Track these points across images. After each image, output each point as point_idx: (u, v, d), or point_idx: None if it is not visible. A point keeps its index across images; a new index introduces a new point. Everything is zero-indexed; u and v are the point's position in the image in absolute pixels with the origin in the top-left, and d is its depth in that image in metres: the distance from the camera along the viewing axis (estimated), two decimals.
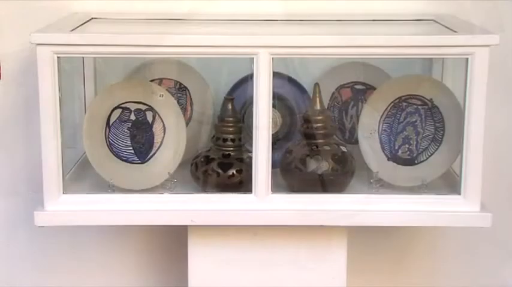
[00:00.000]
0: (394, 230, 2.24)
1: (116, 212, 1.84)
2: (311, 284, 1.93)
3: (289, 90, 2.04)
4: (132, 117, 1.95)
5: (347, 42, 1.78)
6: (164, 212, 1.85)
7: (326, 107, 2.01)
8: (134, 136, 1.95)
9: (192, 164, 1.93)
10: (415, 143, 1.95)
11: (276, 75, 1.85)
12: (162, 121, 1.95)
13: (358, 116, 2.04)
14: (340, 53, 1.81)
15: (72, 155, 1.99)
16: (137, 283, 2.29)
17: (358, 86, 2.10)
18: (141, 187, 1.90)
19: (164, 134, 1.95)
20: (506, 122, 2.16)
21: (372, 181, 1.92)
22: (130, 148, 1.95)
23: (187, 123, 2.04)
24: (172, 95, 1.98)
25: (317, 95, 1.92)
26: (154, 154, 1.95)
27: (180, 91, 2.08)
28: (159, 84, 2.04)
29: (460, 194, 1.85)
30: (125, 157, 1.94)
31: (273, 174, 1.85)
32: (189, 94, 2.08)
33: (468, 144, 1.82)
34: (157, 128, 1.95)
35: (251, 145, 1.84)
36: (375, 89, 2.04)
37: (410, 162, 1.95)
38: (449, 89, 1.94)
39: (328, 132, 1.92)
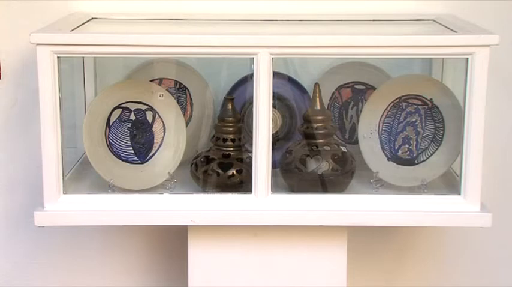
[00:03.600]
0: (394, 230, 2.24)
1: (115, 212, 1.84)
2: (311, 284, 1.93)
3: (289, 90, 2.04)
4: (132, 117, 1.95)
5: (347, 42, 1.78)
6: (164, 212, 1.85)
7: (326, 107, 2.01)
8: (134, 136, 1.95)
9: (192, 164, 1.93)
10: (415, 143, 1.95)
11: (276, 75, 1.85)
12: (162, 121, 1.95)
13: (358, 116, 2.04)
14: (340, 53, 1.81)
15: (72, 155, 1.99)
16: (137, 283, 2.29)
17: (358, 86, 2.10)
18: (141, 187, 1.90)
19: (164, 134, 1.95)
20: (506, 122, 2.16)
21: (371, 181, 1.92)
22: (130, 148, 1.95)
23: (187, 124, 2.04)
24: (172, 95, 1.98)
25: (317, 95, 1.92)
26: (154, 154, 1.95)
27: (180, 91, 2.08)
28: (159, 84, 2.05)
29: (460, 194, 1.85)
30: (125, 157, 1.94)
31: (273, 174, 1.85)
32: (189, 94, 2.08)
33: (468, 144, 1.81)
34: (157, 128, 1.95)
35: (251, 145, 1.84)
36: (374, 89, 2.04)
37: (410, 162, 1.95)
38: (449, 89, 1.94)
39: (328, 132, 1.92)
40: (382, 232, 2.23)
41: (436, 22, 2.02)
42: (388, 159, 1.95)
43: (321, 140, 1.91)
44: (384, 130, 1.96)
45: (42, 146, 1.80)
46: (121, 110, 1.94)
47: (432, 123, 1.94)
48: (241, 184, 1.90)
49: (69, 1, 2.08)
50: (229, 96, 1.94)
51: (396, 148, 1.95)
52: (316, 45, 1.79)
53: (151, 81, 2.04)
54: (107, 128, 1.93)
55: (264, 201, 1.84)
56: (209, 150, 1.94)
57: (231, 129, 1.92)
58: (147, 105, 1.94)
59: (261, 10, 2.10)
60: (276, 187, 1.88)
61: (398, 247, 2.26)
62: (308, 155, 1.90)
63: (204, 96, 2.07)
